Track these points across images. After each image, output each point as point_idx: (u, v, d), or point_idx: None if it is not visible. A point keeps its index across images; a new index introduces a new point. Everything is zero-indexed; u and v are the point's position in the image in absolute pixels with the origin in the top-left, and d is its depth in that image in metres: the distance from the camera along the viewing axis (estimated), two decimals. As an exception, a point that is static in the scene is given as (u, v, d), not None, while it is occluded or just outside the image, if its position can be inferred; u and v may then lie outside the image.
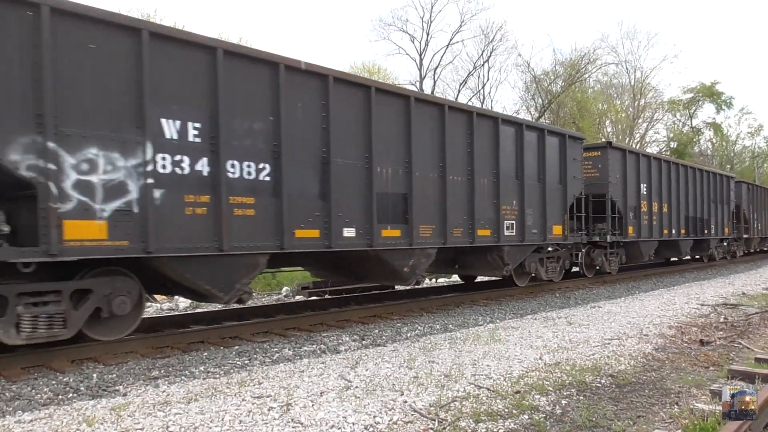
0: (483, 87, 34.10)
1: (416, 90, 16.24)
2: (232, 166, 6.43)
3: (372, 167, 7.84)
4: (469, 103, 26.53)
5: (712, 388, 4.65)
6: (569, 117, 33.89)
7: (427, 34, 33.71)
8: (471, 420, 4.02)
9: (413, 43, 34.72)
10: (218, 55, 6.28)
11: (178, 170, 6.01)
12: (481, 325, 8.35)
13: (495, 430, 3.88)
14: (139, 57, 5.72)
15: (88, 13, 5.44)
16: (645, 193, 14.79)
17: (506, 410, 4.25)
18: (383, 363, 5.69)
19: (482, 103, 32.80)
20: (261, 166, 6.70)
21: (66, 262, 5.39)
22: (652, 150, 38.58)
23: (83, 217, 5.40)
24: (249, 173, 6.59)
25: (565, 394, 4.69)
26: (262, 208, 6.68)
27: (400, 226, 8.28)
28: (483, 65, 33.88)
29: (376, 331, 7.81)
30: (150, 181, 5.78)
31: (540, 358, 5.87)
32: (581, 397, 4.62)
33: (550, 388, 4.81)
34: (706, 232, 18.59)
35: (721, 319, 8.44)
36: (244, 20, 55.02)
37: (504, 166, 10.08)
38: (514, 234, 10.35)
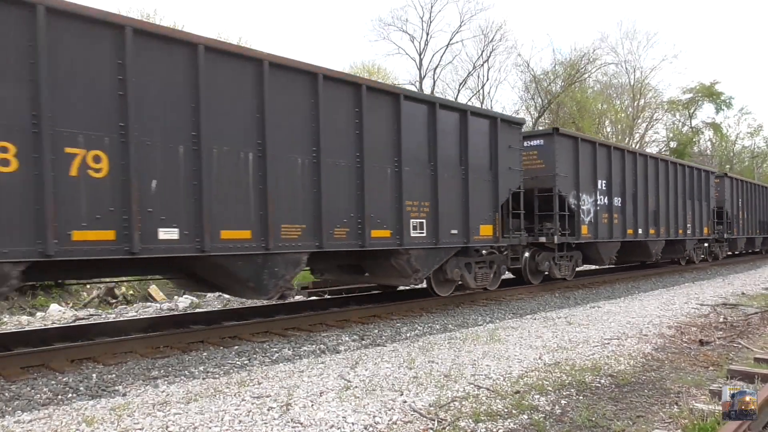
0: (482, 87, 34.19)
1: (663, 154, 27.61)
2: (614, 199, 13.56)
3: (648, 197, 15.13)
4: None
5: (711, 388, 4.65)
6: (569, 117, 33.89)
7: (427, 34, 33.83)
8: (470, 420, 4.02)
9: (413, 43, 34.96)
10: (612, 150, 13.60)
11: (600, 203, 13.10)
12: (480, 325, 8.35)
13: (494, 430, 3.88)
14: (594, 157, 12.96)
15: (579, 136, 13.12)
16: (740, 204, 22.16)
17: (506, 410, 4.25)
18: (383, 363, 5.69)
19: (482, 104, 32.80)
20: (619, 198, 13.88)
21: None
22: (651, 150, 38.57)
23: (584, 224, 12.39)
24: (617, 203, 13.77)
25: (564, 394, 4.69)
26: (619, 219, 13.89)
27: (655, 227, 15.52)
28: (482, 65, 33.99)
29: (376, 331, 7.81)
30: (597, 208, 12.96)
31: (539, 358, 5.87)
32: (581, 397, 4.62)
33: (550, 388, 4.82)
34: None
35: (721, 319, 8.45)
36: (244, 20, 55.04)
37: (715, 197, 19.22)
38: (690, 231, 18.09)
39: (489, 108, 29.44)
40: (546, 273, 12.40)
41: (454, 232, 9.23)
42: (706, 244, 19.85)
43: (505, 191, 10.25)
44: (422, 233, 8.68)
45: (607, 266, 16.06)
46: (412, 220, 8.50)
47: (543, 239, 11.73)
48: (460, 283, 9.99)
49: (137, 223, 5.61)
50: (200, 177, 6.08)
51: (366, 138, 7.80)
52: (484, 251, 10.26)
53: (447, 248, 9.17)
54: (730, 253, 22.85)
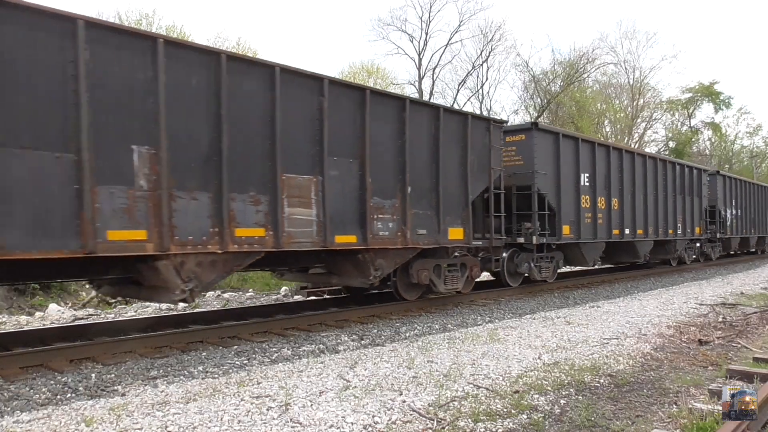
0: (482, 87, 34.11)
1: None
2: (731, 210, 21.41)
3: (756, 210, 24.02)
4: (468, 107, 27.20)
5: (710, 387, 4.65)
6: (568, 117, 33.87)
7: (426, 34, 33.67)
8: (470, 420, 4.02)
9: (412, 43, 34.67)
10: (733, 180, 22.15)
11: (735, 213, 21.75)
12: (479, 324, 8.35)
13: (494, 429, 3.88)
14: (731, 187, 21.54)
15: (725, 175, 22.96)
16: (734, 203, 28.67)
17: (505, 410, 4.25)
18: (382, 363, 5.69)
19: (481, 103, 32.83)
20: (737, 211, 21.82)
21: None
22: (651, 150, 38.61)
23: (728, 227, 21.35)
24: (738, 213, 22.09)
25: (563, 393, 4.69)
26: (738, 221, 21.92)
27: (753, 229, 23.50)
28: (482, 65, 33.83)
29: (375, 330, 7.80)
30: (734, 216, 21.62)
31: (539, 358, 5.88)
32: (580, 397, 4.62)
33: (549, 388, 4.82)
34: None
35: (720, 319, 8.46)
36: (243, 20, 55.02)
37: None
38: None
39: (485, 111, 29.54)
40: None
41: (689, 230, 17.72)
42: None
43: (704, 208, 18.76)
44: (680, 231, 17.08)
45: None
46: (678, 224, 16.92)
47: (710, 235, 20.17)
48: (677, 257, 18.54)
49: (622, 226, 13.75)
50: (633, 205, 14.33)
51: (677, 185, 16.79)
52: (688, 240, 18.28)
53: (685, 240, 17.75)
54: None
